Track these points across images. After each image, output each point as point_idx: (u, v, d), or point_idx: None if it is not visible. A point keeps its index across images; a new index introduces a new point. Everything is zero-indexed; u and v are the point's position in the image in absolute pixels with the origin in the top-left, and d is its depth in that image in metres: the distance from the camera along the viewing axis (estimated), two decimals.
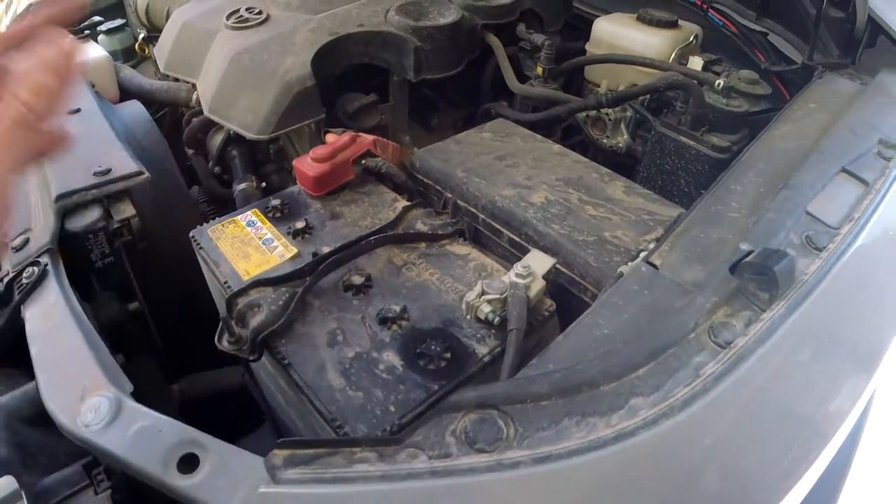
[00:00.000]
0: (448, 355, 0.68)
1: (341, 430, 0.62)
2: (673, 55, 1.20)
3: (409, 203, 0.87)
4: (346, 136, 0.90)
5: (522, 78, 1.26)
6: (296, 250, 0.80)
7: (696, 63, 1.16)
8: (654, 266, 0.69)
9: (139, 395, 0.76)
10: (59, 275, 0.79)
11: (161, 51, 1.23)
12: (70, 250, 0.84)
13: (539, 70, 1.23)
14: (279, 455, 0.49)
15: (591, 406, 0.52)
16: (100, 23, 1.49)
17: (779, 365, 0.58)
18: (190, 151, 1.24)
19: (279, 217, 0.86)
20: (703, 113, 1.06)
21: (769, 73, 1.19)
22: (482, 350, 0.69)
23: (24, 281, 0.78)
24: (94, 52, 1.27)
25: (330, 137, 0.92)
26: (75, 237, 0.85)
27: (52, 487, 0.59)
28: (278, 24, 1.13)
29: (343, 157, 0.88)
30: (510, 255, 0.88)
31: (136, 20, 1.52)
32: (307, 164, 0.87)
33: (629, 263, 0.77)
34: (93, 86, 1.20)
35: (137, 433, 0.54)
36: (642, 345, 0.57)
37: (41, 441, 0.67)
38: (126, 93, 1.31)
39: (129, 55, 1.48)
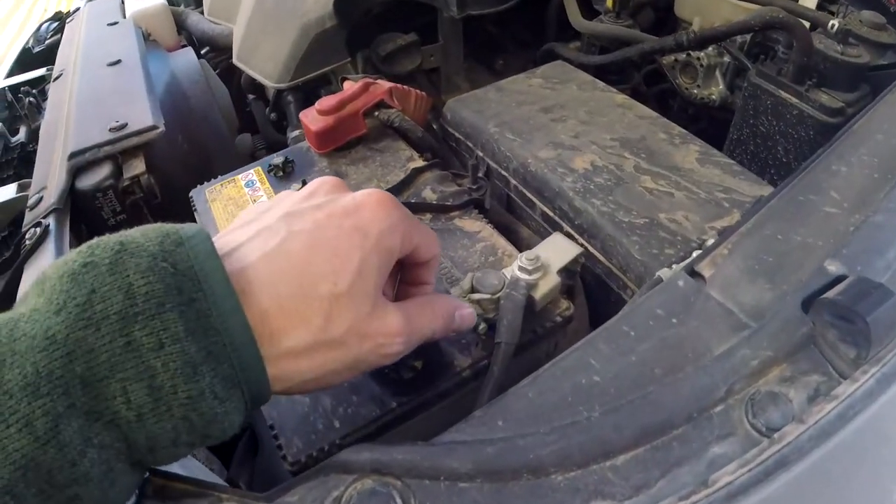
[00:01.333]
0: (418, 364, 0.49)
1: (277, 440, 0.47)
2: None
3: (420, 164, 0.67)
4: (358, 85, 0.69)
5: (591, 13, 0.97)
6: None
7: None
8: (700, 278, 0.45)
9: None
10: (60, 235, 0.70)
11: None
12: (82, 209, 0.75)
13: (609, 3, 0.93)
14: (154, 483, 0.35)
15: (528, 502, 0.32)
16: None
17: (852, 481, 0.33)
18: (250, 97, 1.09)
19: (280, 176, 0.70)
20: (810, 62, 0.74)
21: None
22: (463, 362, 0.50)
23: (27, 242, 0.70)
24: (152, 0, 1.13)
25: (346, 85, 0.72)
26: (85, 195, 0.75)
27: None
28: None
29: (352, 109, 0.69)
30: (544, 231, 0.66)
31: None
32: (311, 118, 0.69)
33: (674, 266, 0.52)
34: (149, 35, 1.08)
35: None
36: (637, 413, 0.35)
37: None
38: (194, 39, 1.18)
39: (200, 1, 1.34)
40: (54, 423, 0.25)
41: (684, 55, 0.93)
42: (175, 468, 0.40)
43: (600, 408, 0.36)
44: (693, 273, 0.46)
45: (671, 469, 0.33)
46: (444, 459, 0.34)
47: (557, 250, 0.54)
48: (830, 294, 0.39)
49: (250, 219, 0.37)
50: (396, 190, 0.64)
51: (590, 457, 0.33)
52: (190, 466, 0.45)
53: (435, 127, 0.78)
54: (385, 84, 0.70)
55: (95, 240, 0.29)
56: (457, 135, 0.74)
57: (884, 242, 0.45)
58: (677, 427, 0.35)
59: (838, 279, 0.42)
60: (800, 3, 0.87)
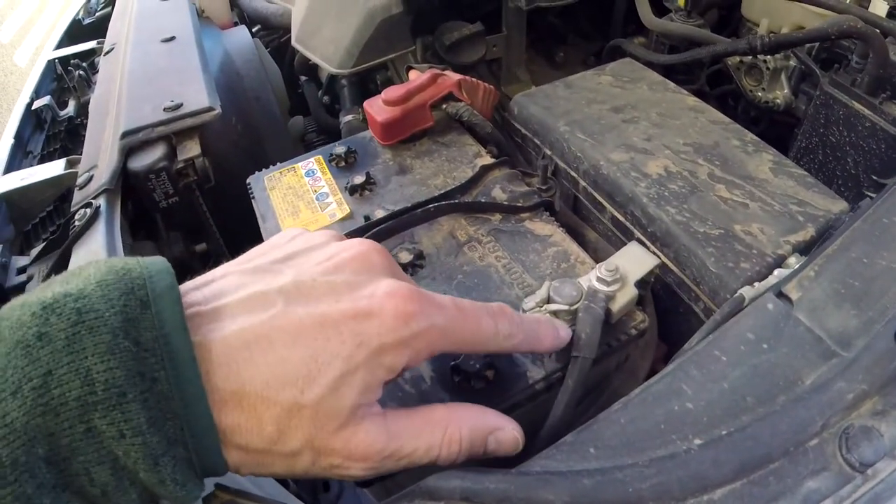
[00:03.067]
0: (490, 374, 0.49)
1: None
2: None
3: (489, 161, 0.66)
4: (426, 76, 0.69)
5: (662, 11, 0.95)
6: (349, 210, 0.64)
7: (879, 7, 0.79)
8: (789, 301, 0.45)
9: None
10: (110, 217, 0.70)
11: None
12: (134, 189, 0.75)
13: (681, 1, 0.91)
14: (220, 498, 0.35)
15: None
16: None
17: None
18: (302, 79, 1.09)
19: (343, 167, 0.69)
20: (885, 74, 0.72)
21: None
22: (536, 373, 0.49)
23: (77, 223, 0.70)
24: None
25: (413, 75, 0.71)
26: (137, 176, 0.75)
27: None
28: None
29: (419, 100, 0.68)
30: (612, 236, 0.65)
31: None
32: (377, 108, 0.68)
33: (755, 285, 0.51)
34: (202, 11, 1.08)
35: None
36: (737, 447, 0.35)
37: None
38: (246, 17, 1.18)
39: None
40: None
41: (750, 57, 0.91)
42: (244, 482, 0.40)
43: (693, 437, 0.36)
44: (780, 294, 0.45)
45: (769, 503, 0.33)
46: (538, 491, 0.34)
47: (635, 261, 0.53)
48: None
49: (255, 262, 0.35)
50: (464, 188, 0.63)
51: (689, 491, 0.33)
52: (259, 481, 0.45)
53: (497, 120, 0.77)
54: (453, 76, 0.69)
55: (51, 297, 0.27)
56: (524, 131, 0.74)
57: None
58: (774, 461, 0.34)
59: None
60: (870, 7, 0.85)
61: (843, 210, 0.59)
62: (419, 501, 0.35)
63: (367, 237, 0.57)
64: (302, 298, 0.32)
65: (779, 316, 0.43)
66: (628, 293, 0.51)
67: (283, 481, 0.50)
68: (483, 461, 0.39)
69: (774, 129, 0.98)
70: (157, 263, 0.31)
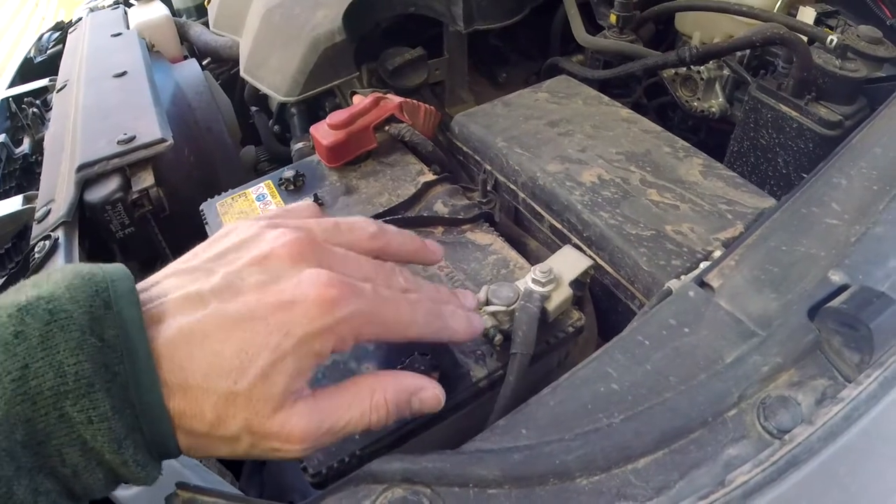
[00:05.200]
0: (436, 375, 0.51)
1: None
2: (779, 3, 0.89)
3: (431, 178, 0.69)
4: (369, 99, 0.72)
5: (596, 28, 1.00)
6: None
7: (807, 14, 0.85)
8: (709, 288, 0.48)
9: None
10: (69, 248, 0.71)
11: (211, 7, 1.09)
12: (91, 221, 0.76)
13: (612, 18, 0.96)
14: (182, 496, 0.37)
15: None
16: None
17: (855, 481, 0.36)
18: (253, 109, 1.11)
19: (292, 190, 0.71)
20: (809, 77, 0.77)
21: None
22: (479, 372, 0.52)
23: (36, 255, 0.71)
24: (155, 11, 1.16)
25: (356, 99, 0.74)
26: (93, 208, 0.76)
27: None
28: None
29: (363, 123, 0.71)
30: (552, 243, 0.68)
31: None
32: (322, 132, 0.71)
33: (682, 277, 0.55)
34: (152, 46, 1.10)
35: None
36: (656, 419, 0.37)
37: None
38: (196, 50, 1.20)
39: (202, 12, 1.37)
40: (8, 487, 0.28)
41: (685, 69, 0.96)
42: (195, 480, 0.42)
43: (619, 415, 0.38)
44: (702, 284, 0.48)
45: (689, 471, 0.35)
46: (472, 467, 0.36)
47: (569, 263, 0.56)
48: (835, 303, 0.42)
49: (192, 262, 0.37)
50: (407, 205, 0.66)
51: (612, 461, 0.35)
52: (210, 479, 0.47)
53: (441, 139, 0.80)
54: (395, 99, 0.73)
55: (24, 300, 0.30)
56: (465, 149, 0.77)
57: (884, 253, 0.48)
58: (694, 431, 0.37)
59: (842, 288, 0.44)
60: (798, 16, 0.90)
61: (770, 207, 0.63)
62: (364, 485, 0.36)
63: None
64: (232, 295, 0.34)
65: (699, 302, 0.46)
66: (563, 293, 0.53)
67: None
68: (429, 446, 0.41)
69: (714, 136, 1.03)
70: (118, 269, 0.34)
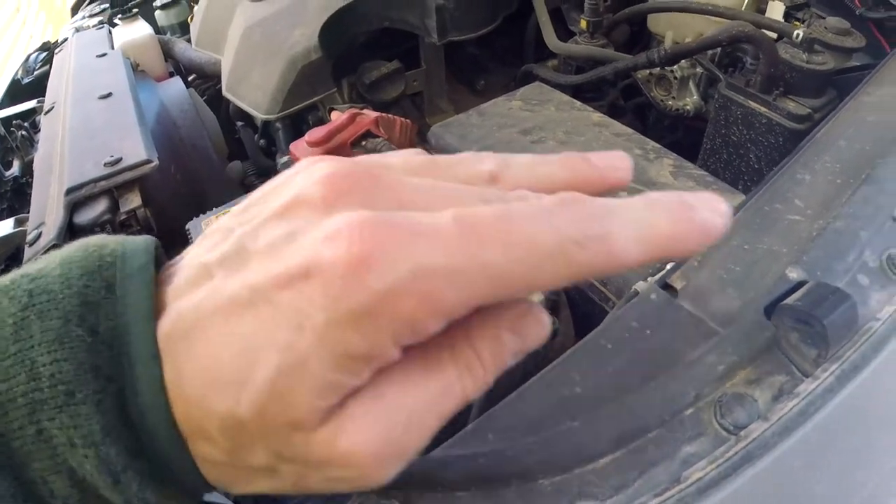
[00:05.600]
0: None
1: None
2: (747, 0, 0.91)
3: None
4: (345, 116, 0.73)
5: (569, 34, 1.02)
6: None
7: (776, 9, 0.87)
8: (672, 290, 0.49)
9: None
10: None
11: (193, 26, 1.11)
12: None
13: (583, 24, 0.98)
14: None
15: None
16: (148, 1, 1.40)
17: (811, 475, 0.37)
18: (239, 124, 1.13)
19: None
20: (776, 72, 0.79)
21: (866, 21, 0.88)
22: None
23: None
24: (139, 30, 1.17)
25: (335, 115, 0.76)
26: (83, 230, 0.78)
27: None
28: None
29: (340, 139, 0.73)
30: None
31: None
32: (301, 149, 0.73)
33: (649, 279, 0.56)
34: (137, 65, 1.12)
35: None
36: (613, 420, 0.39)
37: None
38: (181, 67, 1.22)
39: (186, 29, 1.38)
40: None
41: (659, 69, 0.98)
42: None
43: (581, 417, 0.40)
44: (666, 286, 0.50)
45: (647, 469, 0.37)
46: (440, 471, 0.37)
47: None
48: (790, 300, 0.43)
49: (224, 219, 0.26)
50: None
51: (573, 462, 0.37)
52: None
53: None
54: (371, 114, 0.74)
55: (10, 278, 0.24)
56: None
57: (843, 247, 0.49)
58: (652, 430, 0.38)
59: (799, 285, 0.46)
60: (767, 12, 0.92)
61: (741, 203, 0.65)
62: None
63: None
64: (239, 263, 0.23)
65: (661, 304, 0.47)
66: (534, 299, 0.55)
67: None
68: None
69: (692, 134, 1.05)
70: (137, 242, 0.25)
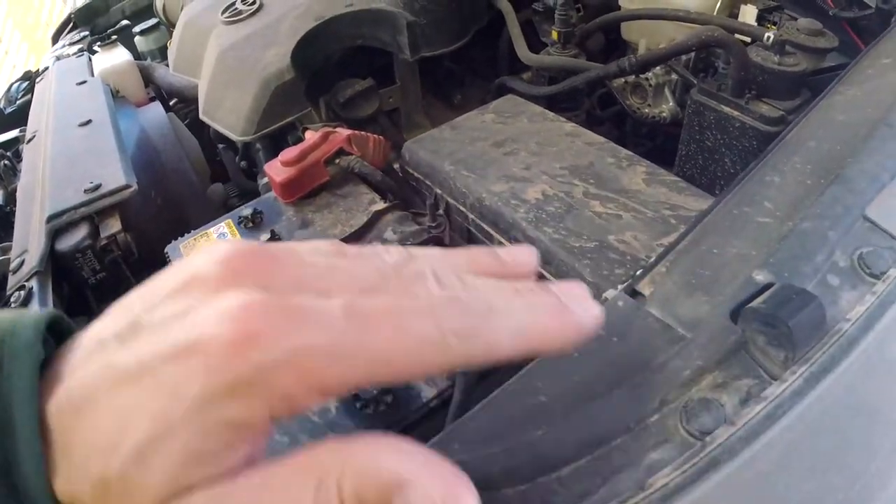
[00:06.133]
0: (389, 398, 0.52)
1: None
2: (719, 4, 0.92)
3: (382, 206, 0.71)
4: (318, 135, 0.74)
5: (541, 45, 1.02)
6: None
7: (749, 13, 0.87)
8: (641, 296, 0.49)
9: None
10: (44, 297, 0.73)
11: (170, 51, 1.12)
12: (63, 270, 0.79)
13: (554, 34, 0.98)
14: None
15: None
16: (128, 27, 1.41)
17: (780, 479, 0.37)
18: (220, 146, 1.14)
19: (251, 227, 0.73)
20: (748, 76, 0.79)
21: (840, 21, 0.88)
22: (429, 392, 0.53)
23: (13, 305, 0.74)
24: (118, 57, 1.18)
25: (308, 135, 0.76)
26: (64, 256, 0.78)
27: None
28: (269, 13, 0.98)
29: (313, 158, 0.73)
30: None
31: (161, 18, 1.42)
32: (275, 169, 0.73)
33: (619, 287, 0.56)
34: (117, 91, 1.12)
35: None
36: (576, 428, 0.39)
37: None
38: (162, 91, 1.23)
39: (166, 54, 1.39)
40: None
41: (633, 77, 0.98)
42: None
43: (545, 426, 0.40)
44: (633, 293, 0.50)
45: (611, 476, 0.36)
46: None
47: None
48: (756, 302, 0.43)
49: (117, 312, 0.26)
50: (358, 234, 0.68)
51: (536, 471, 0.36)
52: None
53: (397, 167, 0.82)
54: (344, 132, 0.75)
55: None
56: (416, 174, 0.78)
57: (811, 248, 0.49)
58: (616, 438, 0.38)
59: (765, 287, 0.46)
60: (740, 16, 0.93)
61: (710, 207, 0.65)
62: None
63: None
64: (133, 337, 0.24)
65: (629, 311, 0.47)
66: None
67: None
68: None
69: (671, 141, 1.05)
70: (27, 318, 0.26)
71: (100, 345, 0.25)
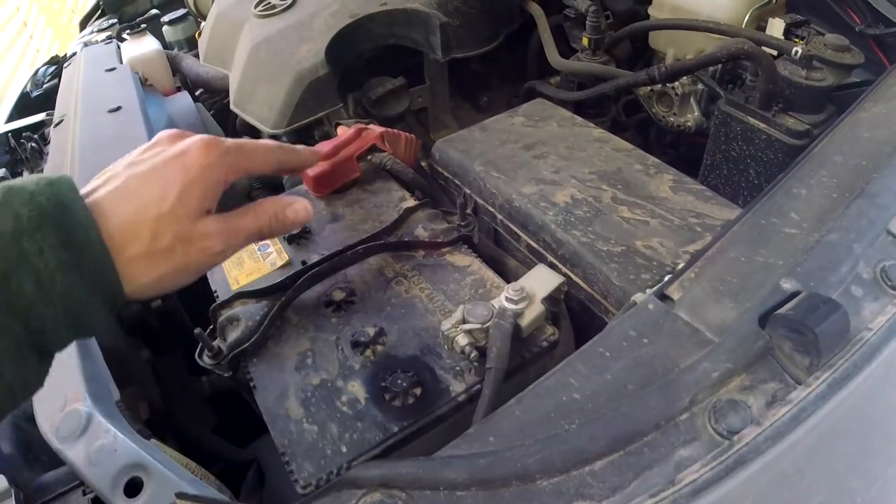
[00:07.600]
0: (417, 391, 0.55)
1: (289, 466, 0.52)
2: (748, 17, 0.94)
3: (412, 204, 0.73)
4: (351, 131, 0.76)
5: (572, 51, 1.04)
6: (287, 258, 0.69)
7: (776, 26, 0.89)
8: (670, 300, 0.51)
9: (164, 391, 0.74)
10: None
11: (201, 42, 1.14)
12: None
13: (584, 41, 1.00)
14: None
15: None
16: (157, 16, 1.43)
17: (802, 479, 0.39)
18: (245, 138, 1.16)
19: None
20: (775, 89, 0.81)
21: (866, 38, 0.90)
22: (458, 387, 0.55)
23: None
24: (147, 45, 1.20)
25: (340, 130, 0.78)
26: None
27: (48, 485, 0.57)
28: (303, 8, 1.00)
29: (346, 154, 0.75)
30: (529, 262, 0.72)
31: (192, 9, 1.44)
32: None
33: (647, 291, 0.58)
34: (145, 80, 1.15)
35: (98, 450, 0.51)
36: (609, 424, 0.41)
37: (43, 440, 0.64)
38: (188, 81, 1.25)
39: (193, 44, 1.42)
40: None
41: (660, 85, 1.00)
42: (194, 492, 0.46)
43: (578, 421, 0.42)
44: (663, 297, 0.52)
45: (643, 471, 0.39)
46: (442, 471, 0.39)
47: (541, 280, 0.60)
48: (783, 309, 0.45)
49: (104, 174, 0.47)
50: (389, 230, 0.70)
51: (570, 464, 0.39)
52: (208, 493, 0.51)
53: (424, 165, 0.84)
54: (377, 129, 0.77)
55: None
56: (445, 174, 0.81)
57: (836, 259, 0.51)
58: (647, 434, 0.40)
59: (793, 295, 0.48)
60: (767, 29, 0.94)
61: (739, 216, 0.67)
62: (345, 490, 0.39)
63: (302, 281, 0.64)
64: (138, 166, 0.45)
65: (659, 314, 0.49)
66: (536, 309, 0.57)
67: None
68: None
69: (694, 150, 1.07)
70: (57, 174, 0.42)
71: (114, 174, 0.45)
